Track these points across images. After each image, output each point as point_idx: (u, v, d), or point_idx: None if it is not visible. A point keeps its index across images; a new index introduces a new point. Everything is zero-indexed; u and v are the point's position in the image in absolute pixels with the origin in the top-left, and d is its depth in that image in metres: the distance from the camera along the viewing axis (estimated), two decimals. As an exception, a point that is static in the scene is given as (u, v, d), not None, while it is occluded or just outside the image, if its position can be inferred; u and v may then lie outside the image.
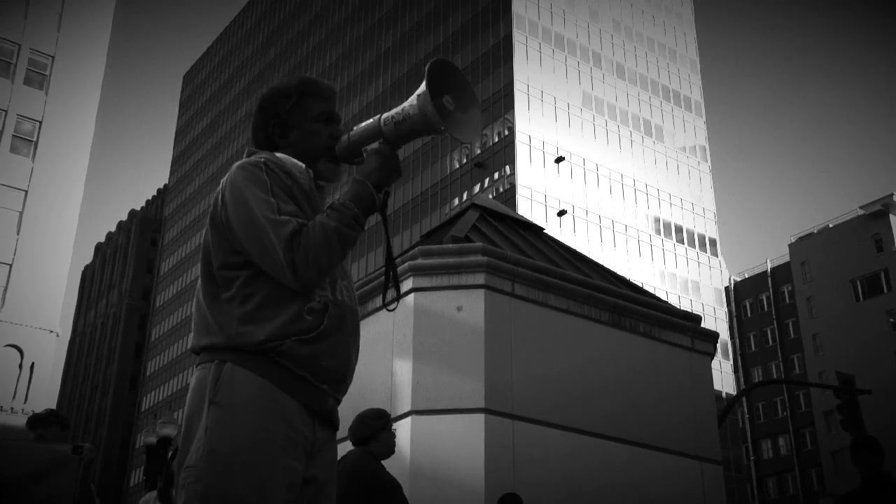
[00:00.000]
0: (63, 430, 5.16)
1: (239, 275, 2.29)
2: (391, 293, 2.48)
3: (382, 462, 4.90)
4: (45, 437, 5.05)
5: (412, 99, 2.27)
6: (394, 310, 2.50)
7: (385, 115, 2.32)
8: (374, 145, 2.33)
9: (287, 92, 2.54)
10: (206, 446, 2.16)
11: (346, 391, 2.40)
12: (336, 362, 2.30)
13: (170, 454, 5.75)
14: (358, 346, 2.43)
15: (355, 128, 2.44)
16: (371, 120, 2.37)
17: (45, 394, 29.21)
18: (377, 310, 8.32)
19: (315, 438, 2.27)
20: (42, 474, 4.52)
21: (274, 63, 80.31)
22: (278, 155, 2.47)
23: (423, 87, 2.24)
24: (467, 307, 7.83)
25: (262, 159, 2.37)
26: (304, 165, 2.46)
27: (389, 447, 4.95)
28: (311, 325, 2.25)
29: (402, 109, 2.29)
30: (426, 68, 2.23)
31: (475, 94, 2.36)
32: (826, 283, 58.88)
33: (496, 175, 52.70)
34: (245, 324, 2.24)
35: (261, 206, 2.25)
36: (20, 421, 26.37)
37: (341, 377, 2.33)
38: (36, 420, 5.18)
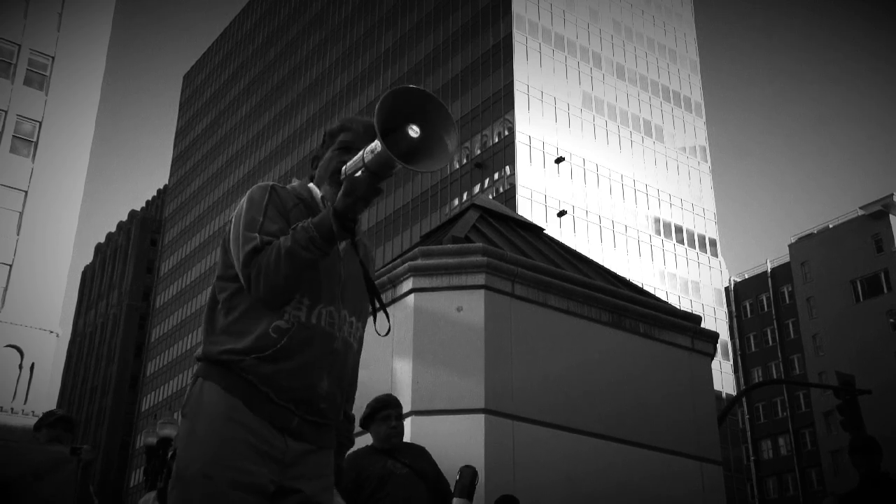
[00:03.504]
0: (66, 433, 5.16)
1: (228, 287, 2.42)
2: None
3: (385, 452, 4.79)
4: (47, 439, 5.04)
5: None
6: (386, 335, 2.55)
7: (367, 147, 2.31)
8: (357, 174, 2.32)
9: (328, 131, 2.70)
10: (178, 457, 2.31)
11: (321, 413, 2.41)
12: (298, 384, 2.34)
13: (170, 454, 5.69)
14: (339, 374, 2.45)
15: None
16: (361, 150, 2.37)
17: (45, 394, 29.21)
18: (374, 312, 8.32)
19: (287, 449, 2.32)
20: (41, 475, 4.52)
21: (274, 63, 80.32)
22: (309, 185, 2.61)
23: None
24: (467, 307, 7.83)
25: (271, 184, 2.50)
26: (320, 193, 2.58)
27: (379, 437, 4.83)
28: (271, 342, 2.32)
29: (375, 143, 2.27)
30: (378, 104, 2.19)
31: (445, 113, 2.30)
32: (826, 284, 58.88)
33: (496, 175, 52.71)
34: (221, 334, 2.37)
35: (246, 222, 2.38)
36: (20, 421, 26.37)
37: (305, 399, 2.36)
38: (41, 424, 5.18)
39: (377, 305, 2.53)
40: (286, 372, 2.32)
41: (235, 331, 2.35)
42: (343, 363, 2.46)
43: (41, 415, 5.33)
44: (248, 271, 2.30)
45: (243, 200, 2.46)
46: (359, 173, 2.30)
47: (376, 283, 9.33)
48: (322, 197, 2.56)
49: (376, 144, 2.24)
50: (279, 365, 2.32)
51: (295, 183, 2.60)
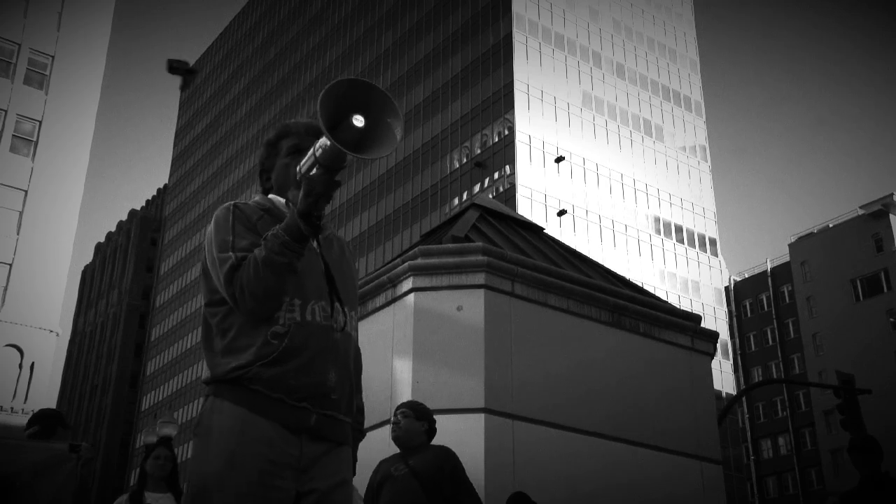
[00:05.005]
0: (65, 430, 5.15)
1: (219, 311, 2.47)
2: (350, 313, 2.57)
3: (401, 453, 4.99)
4: (56, 436, 5.02)
5: None
6: (343, 329, 2.53)
7: (317, 143, 2.36)
8: (312, 172, 2.36)
9: (266, 142, 2.76)
10: (189, 476, 2.34)
11: (338, 406, 2.46)
12: (307, 379, 2.38)
13: (143, 457, 5.71)
14: (344, 362, 2.50)
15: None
16: (312, 148, 2.41)
17: (45, 393, 29.21)
18: (376, 309, 8.33)
19: (302, 454, 2.36)
20: (41, 473, 4.52)
21: (274, 62, 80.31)
22: (269, 197, 2.68)
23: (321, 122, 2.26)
24: (467, 307, 7.83)
25: (233, 203, 2.57)
26: (284, 200, 2.63)
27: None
28: (273, 348, 2.37)
29: (323, 138, 2.31)
30: (319, 99, 2.23)
31: (387, 99, 2.33)
32: (826, 283, 58.87)
33: (496, 175, 52.70)
34: (224, 356, 2.41)
35: (217, 245, 2.45)
36: (20, 421, 26.35)
37: (320, 393, 2.41)
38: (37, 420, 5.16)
39: (334, 300, 2.56)
40: (293, 371, 2.37)
41: (235, 348, 2.40)
42: (346, 353, 2.52)
43: (38, 416, 5.27)
44: (231, 290, 2.36)
45: (210, 225, 2.53)
46: (313, 171, 2.35)
47: (375, 282, 9.35)
48: (287, 202, 2.62)
49: (325, 139, 2.28)
50: (285, 366, 2.36)
51: (257, 198, 2.68)
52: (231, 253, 2.40)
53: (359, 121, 2.28)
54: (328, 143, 2.26)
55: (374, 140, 2.31)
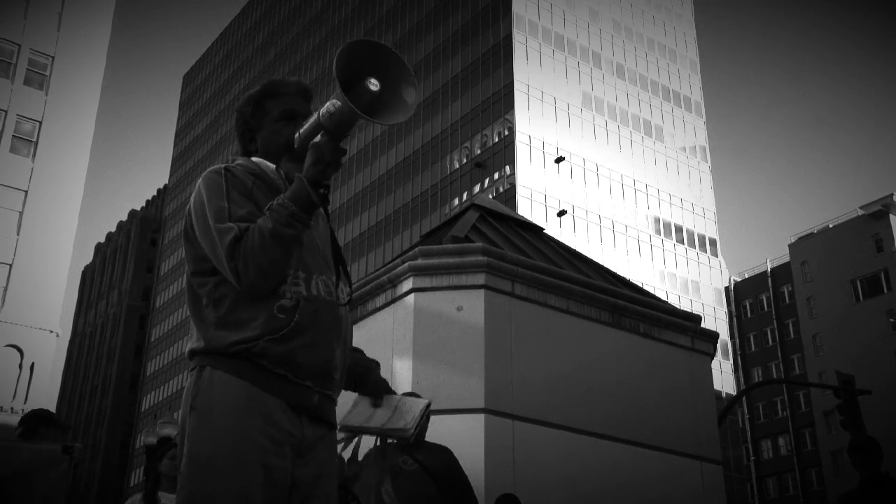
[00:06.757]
0: (52, 429, 5.12)
1: (208, 281, 2.32)
2: (345, 289, 2.48)
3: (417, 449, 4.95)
4: (39, 436, 5.00)
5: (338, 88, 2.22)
6: (346, 304, 2.46)
7: (323, 109, 2.27)
8: (317, 139, 2.27)
9: (251, 98, 2.59)
10: (189, 451, 2.20)
11: (337, 386, 2.39)
12: (315, 358, 2.29)
13: (157, 457, 5.72)
14: (345, 340, 2.43)
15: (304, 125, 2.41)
16: (315, 114, 2.33)
17: (45, 394, 29.22)
18: (376, 310, 8.33)
19: (303, 437, 2.27)
20: (35, 473, 4.53)
21: (274, 63, 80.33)
22: (254, 159, 2.50)
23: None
24: (467, 307, 7.83)
25: (224, 166, 2.41)
26: (273, 166, 2.48)
27: None
28: (282, 323, 2.25)
29: (333, 101, 2.23)
30: (335, 59, 2.15)
31: (404, 66, 2.27)
32: (826, 284, 58.87)
33: (496, 175, 52.71)
34: (220, 328, 2.27)
35: (213, 213, 2.28)
36: (20, 421, 26.33)
37: (324, 372, 2.32)
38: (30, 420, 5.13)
39: (341, 272, 2.48)
40: (301, 348, 2.26)
41: (233, 321, 2.26)
42: (347, 329, 2.45)
43: (24, 417, 5.25)
44: (234, 264, 2.20)
45: (200, 188, 2.35)
46: (318, 138, 2.26)
47: (374, 283, 9.35)
48: (277, 169, 2.47)
49: (334, 103, 2.20)
50: (293, 343, 2.25)
51: (240, 160, 2.51)
52: (231, 223, 2.24)
53: (374, 85, 2.21)
54: (337, 105, 2.18)
55: (388, 106, 2.24)
